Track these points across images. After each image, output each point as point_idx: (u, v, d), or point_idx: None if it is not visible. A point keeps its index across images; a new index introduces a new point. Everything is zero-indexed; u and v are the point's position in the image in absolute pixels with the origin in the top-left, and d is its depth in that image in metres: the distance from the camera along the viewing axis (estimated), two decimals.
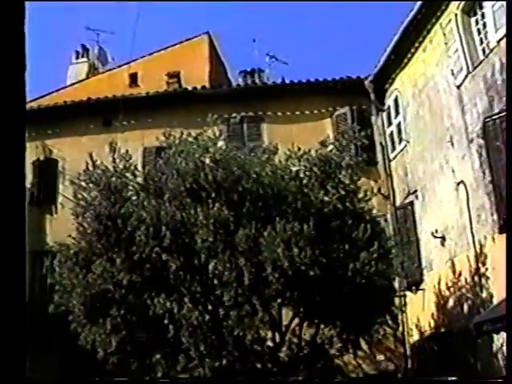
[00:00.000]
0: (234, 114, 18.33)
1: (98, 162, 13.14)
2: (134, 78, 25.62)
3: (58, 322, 13.29)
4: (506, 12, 8.32)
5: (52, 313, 12.97)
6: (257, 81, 21.91)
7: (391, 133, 17.96)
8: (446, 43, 14.37)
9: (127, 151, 13.42)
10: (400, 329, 14.98)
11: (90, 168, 13.03)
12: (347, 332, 12.46)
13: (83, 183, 13.02)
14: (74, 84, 27.67)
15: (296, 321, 12.72)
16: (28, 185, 19.64)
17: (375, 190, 13.95)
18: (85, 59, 31.11)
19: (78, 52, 31.38)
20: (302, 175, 12.68)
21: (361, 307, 11.68)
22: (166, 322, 11.54)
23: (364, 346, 13.08)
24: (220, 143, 12.97)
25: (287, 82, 19.24)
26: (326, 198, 12.28)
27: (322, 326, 12.65)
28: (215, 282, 11.40)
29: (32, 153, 20.08)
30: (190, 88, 19.82)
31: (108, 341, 11.96)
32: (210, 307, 11.87)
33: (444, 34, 14.39)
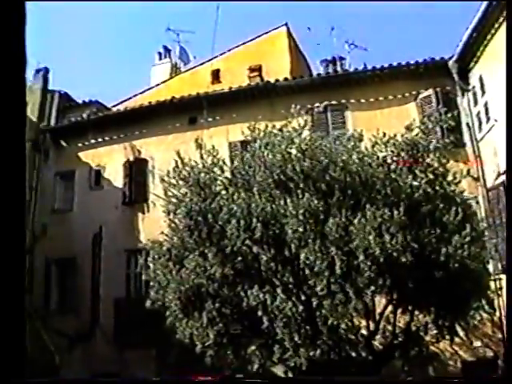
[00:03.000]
0: (317, 104, 18.30)
1: (186, 159, 13.37)
2: (216, 75, 25.99)
3: (154, 317, 13.58)
4: (506, 12, 8.01)
5: (149, 308, 13.22)
6: (338, 69, 21.75)
7: (478, 113, 17.49)
8: None
9: (213, 147, 13.62)
10: (497, 313, 14.57)
11: (179, 165, 13.29)
12: (442, 318, 12.21)
13: (173, 180, 13.28)
14: (157, 85, 28.25)
15: (389, 308, 12.60)
16: (120, 185, 20.23)
17: (464, 172, 13.61)
18: (167, 60, 31.77)
19: (160, 53, 32.06)
20: (389, 161, 12.54)
21: (455, 292, 11.46)
22: (259, 313, 11.66)
23: (460, 332, 12.78)
24: (305, 133, 12.98)
25: (369, 67, 18.98)
26: (415, 183, 12.11)
27: (416, 313, 12.47)
28: (307, 271, 11.43)
29: (121, 154, 20.72)
30: (272, 80, 19.89)
31: (205, 334, 12.19)
32: (302, 297, 11.89)
33: None
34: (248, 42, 26.95)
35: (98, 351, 18.64)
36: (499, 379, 10.28)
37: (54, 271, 20.67)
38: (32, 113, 22.52)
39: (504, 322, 15.48)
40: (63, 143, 22.08)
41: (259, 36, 26.85)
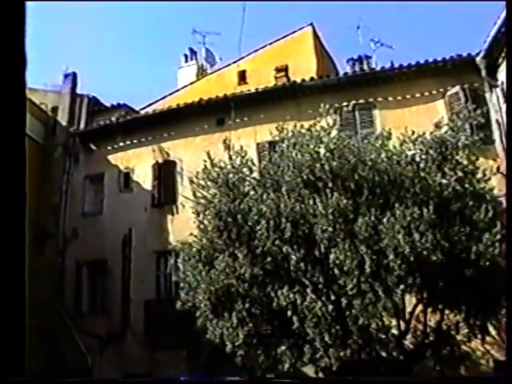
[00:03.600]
0: (345, 103, 18.31)
1: (215, 161, 13.43)
2: (242, 76, 26.06)
3: (184, 317, 13.65)
4: (506, 12, 7.89)
5: (179, 309, 13.30)
6: (365, 67, 21.67)
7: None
8: None
9: (241, 147, 13.67)
10: None
11: (208, 166, 13.36)
12: (473, 317, 12.14)
13: (202, 182, 13.36)
14: (184, 87, 28.39)
15: (420, 307, 12.55)
16: (149, 187, 20.37)
17: (494, 170, 13.49)
18: (193, 62, 31.91)
19: (186, 55, 32.21)
20: (417, 159, 12.49)
21: (486, 290, 11.37)
22: (289, 313, 11.69)
23: (492, 330, 12.69)
24: (333, 133, 12.98)
25: (396, 65, 18.88)
26: (444, 181, 12.05)
27: (446, 312, 12.41)
28: (336, 271, 11.42)
29: (150, 156, 20.86)
30: (298, 80, 19.87)
31: (235, 334, 12.22)
32: (332, 297, 11.88)
33: None
34: (274, 42, 26.98)
35: (129, 352, 18.78)
36: (499, 379, 10.19)
37: (85, 273, 20.86)
38: (62, 117, 22.85)
39: None
40: (93, 146, 22.28)
41: (285, 36, 26.86)
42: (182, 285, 13.37)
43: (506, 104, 9.01)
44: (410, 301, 12.55)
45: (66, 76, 23.74)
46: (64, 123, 22.74)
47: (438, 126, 13.11)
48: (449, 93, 18.04)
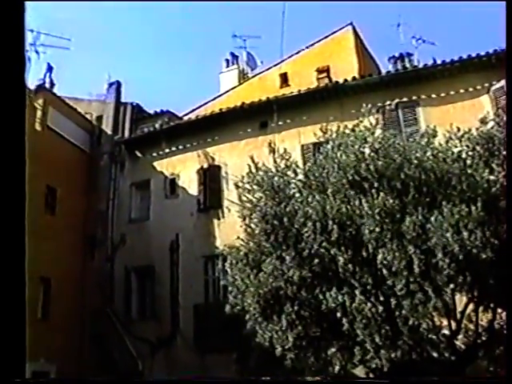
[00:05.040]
0: (388, 102, 18.21)
1: (260, 164, 13.47)
2: (284, 79, 26.13)
3: (233, 321, 13.69)
4: (506, 12, 7.71)
5: (228, 313, 13.34)
6: (407, 65, 21.45)
7: None
8: None
9: (285, 150, 13.68)
10: None
11: (253, 170, 13.40)
12: None
13: (247, 185, 13.39)
14: (227, 92, 28.54)
15: (471, 306, 12.36)
16: (195, 193, 20.53)
17: None
18: (235, 66, 32.09)
19: (227, 60, 32.39)
20: (464, 156, 12.31)
21: None
22: (338, 315, 11.62)
23: None
24: (377, 132, 12.90)
25: (438, 62, 18.67)
26: (492, 177, 11.84)
27: (499, 311, 12.18)
28: (385, 271, 11.31)
29: (195, 161, 21.02)
30: (340, 81, 19.82)
31: (285, 337, 12.19)
32: (381, 298, 11.75)
33: None
34: (314, 43, 26.98)
35: (179, 356, 18.93)
36: (499, 379, 10.01)
37: (134, 279, 21.11)
38: (106, 126, 23.20)
39: None
40: (138, 154, 22.55)
41: (325, 37, 26.85)
42: (230, 288, 13.39)
43: (506, 104, 8.87)
44: (460, 300, 12.35)
45: (110, 85, 24.11)
46: (109, 132, 23.08)
47: (483, 121, 12.91)
48: (494, 87, 17.76)
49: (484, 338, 12.37)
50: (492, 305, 12.18)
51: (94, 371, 19.41)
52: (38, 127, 20.44)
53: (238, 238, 13.53)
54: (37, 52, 22.26)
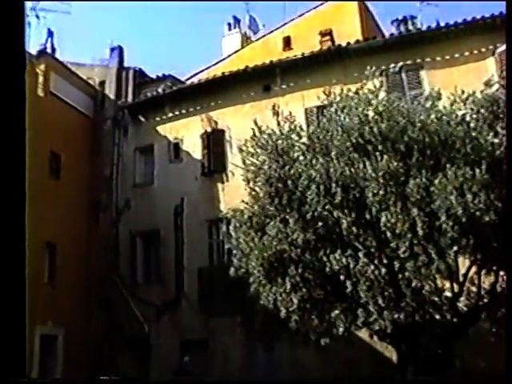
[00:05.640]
0: (392, 65, 18.09)
1: (263, 127, 13.44)
2: (287, 42, 25.96)
3: (238, 284, 13.77)
4: (506, 12, 7.59)
5: (232, 276, 13.43)
6: (410, 28, 21.24)
7: None
8: None
9: (290, 113, 13.64)
10: None
11: (257, 133, 13.38)
12: None
13: (251, 149, 13.38)
14: (229, 55, 28.37)
15: (473, 269, 12.40)
16: (199, 157, 20.54)
17: None
18: (237, 30, 31.89)
19: (229, 24, 32.17)
20: (468, 119, 12.28)
21: None
22: (342, 277, 11.70)
23: None
24: (381, 95, 12.84)
25: (442, 24, 18.48)
26: (496, 140, 11.81)
27: (501, 273, 12.24)
28: (388, 234, 11.35)
29: (198, 126, 20.99)
30: (343, 44, 19.66)
31: (289, 299, 12.27)
32: (385, 260, 11.83)
33: None
34: (317, 6, 26.73)
35: (184, 319, 19.11)
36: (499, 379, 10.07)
37: (139, 243, 21.22)
38: (109, 91, 23.11)
39: None
40: (141, 118, 22.49)
41: (328, 0, 26.57)
42: (234, 251, 13.46)
43: (506, 103, 8.83)
44: (463, 263, 12.40)
45: (112, 50, 23.96)
46: (112, 96, 23.01)
47: (488, 84, 12.83)
48: (499, 50, 17.57)
49: (486, 300, 12.42)
50: (495, 267, 12.23)
51: (101, 335, 19.66)
52: (40, 93, 20.37)
53: (242, 201, 13.55)
54: (37, 17, 22.11)
